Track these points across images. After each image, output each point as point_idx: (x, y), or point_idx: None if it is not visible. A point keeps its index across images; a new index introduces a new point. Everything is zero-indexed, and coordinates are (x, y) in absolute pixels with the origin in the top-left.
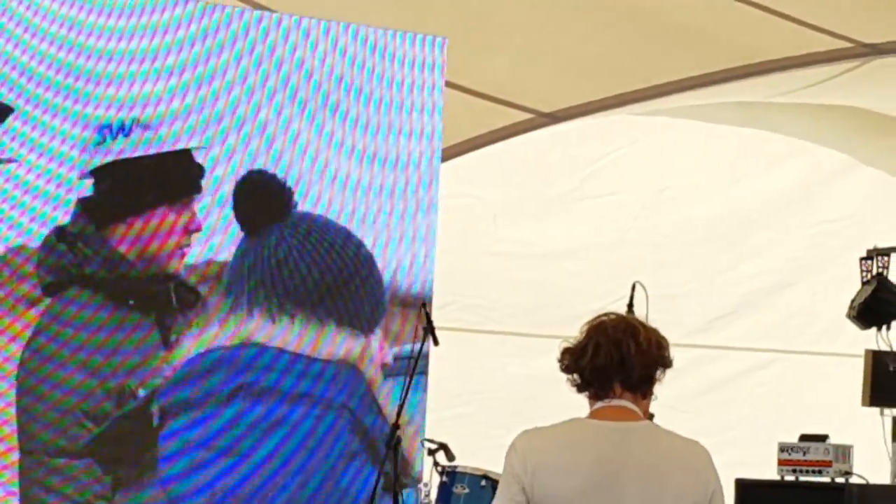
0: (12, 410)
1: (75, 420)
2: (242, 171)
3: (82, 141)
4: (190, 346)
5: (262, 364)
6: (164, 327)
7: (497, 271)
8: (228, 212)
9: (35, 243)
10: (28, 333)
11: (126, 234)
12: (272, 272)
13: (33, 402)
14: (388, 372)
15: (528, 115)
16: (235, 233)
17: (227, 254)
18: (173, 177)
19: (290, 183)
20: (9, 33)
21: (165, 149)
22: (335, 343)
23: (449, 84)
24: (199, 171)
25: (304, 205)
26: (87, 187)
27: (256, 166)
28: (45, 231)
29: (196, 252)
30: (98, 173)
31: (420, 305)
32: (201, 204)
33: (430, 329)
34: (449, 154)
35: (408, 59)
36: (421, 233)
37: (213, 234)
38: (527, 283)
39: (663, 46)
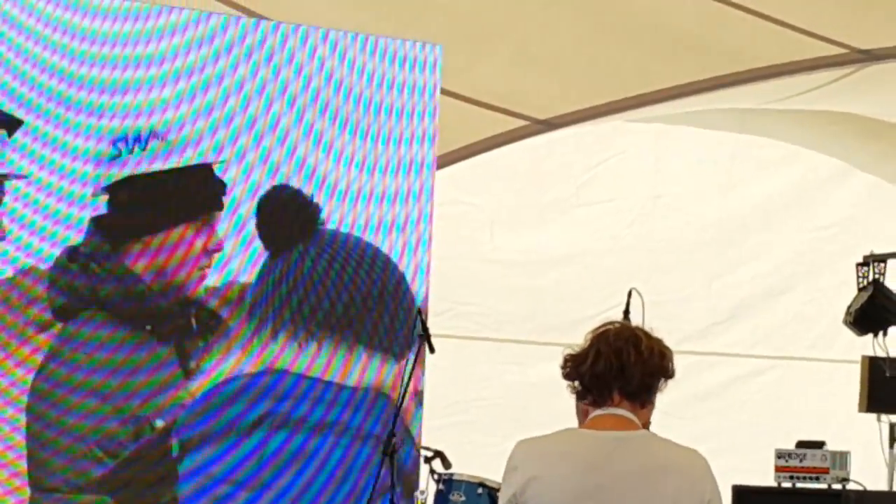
0: (23, 443)
1: (89, 454)
2: (265, 186)
3: (96, 155)
4: (211, 373)
5: (287, 392)
6: (183, 354)
7: (493, 278)
8: (251, 229)
9: (46, 264)
10: (39, 361)
11: (143, 254)
12: (298, 294)
13: (45, 434)
14: (421, 399)
15: (523, 123)
16: (259, 252)
17: (249, 275)
18: (193, 193)
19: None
20: (18, 46)
21: (184, 163)
22: (365, 369)
23: (444, 91)
24: (221, 186)
25: None
26: (101, 204)
27: (278, 180)
28: (57, 251)
29: (217, 273)
30: (113, 189)
31: (416, 312)
32: (222, 221)
33: (425, 336)
34: (444, 161)
35: (403, 67)
36: (418, 241)
37: (235, 254)
38: (523, 290)
39: (659, 53)
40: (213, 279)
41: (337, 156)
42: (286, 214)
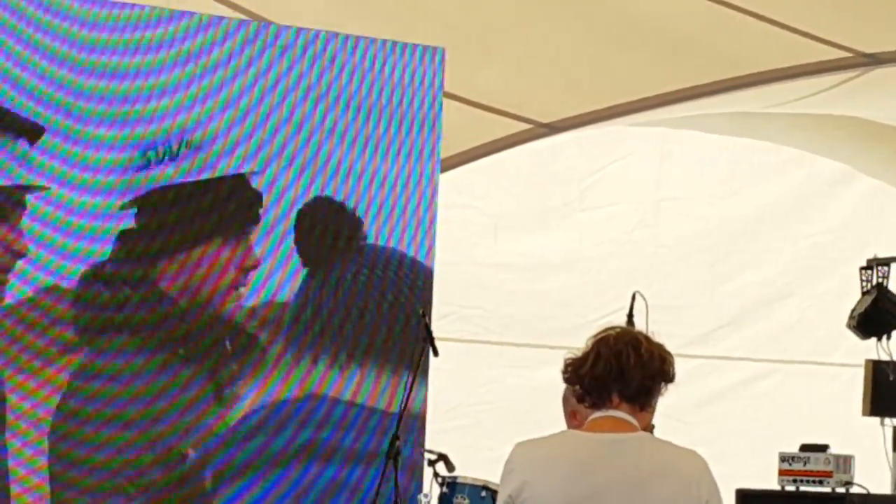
0: (46, 467)
1: (117, 487)
2: (302, 197)
3: (120, 163)
4: (247, 400)
5: (329, 419)
6: (217, 379)
7: (497, 282)
8: (289, 244)
9: (68, 283)
10: (63, 380)
11: (173, 273)
12: (339, 314)
13: (67, 467)
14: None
15: (526, 126)
16: (296, 268)
17: (287, 293)
18: (227, 205)
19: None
20: (25, 59)
21: (217, 174)
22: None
23: (447, 95)
24: (257, 198)
25: None
26: (128, 218)
27: (315, 190)
28: (81, 267)
29: (253, 292)
30: (141, 202)
31: (420, 315)
32: (258, 236)
33: (429, 339)
34: (448, 165)
35: (407, 70)
36: (422, 244)
37: (273, 271)
38: (526, 294)
39: (663, 57)
40: (248, 298)
41: (371, 152)
42: (327, 228)
